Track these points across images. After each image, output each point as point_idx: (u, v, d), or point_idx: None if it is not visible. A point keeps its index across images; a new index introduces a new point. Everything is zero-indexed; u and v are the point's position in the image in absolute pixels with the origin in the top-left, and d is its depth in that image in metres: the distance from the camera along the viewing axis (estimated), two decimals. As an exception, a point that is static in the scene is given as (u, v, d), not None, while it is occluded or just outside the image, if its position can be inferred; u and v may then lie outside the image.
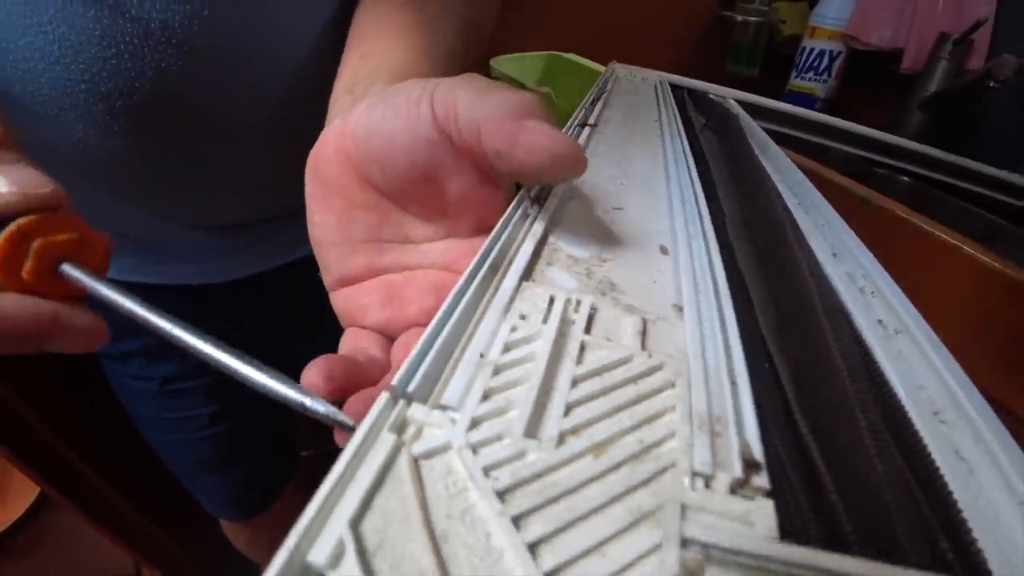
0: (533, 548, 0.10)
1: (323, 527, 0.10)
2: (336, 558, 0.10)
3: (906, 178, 0.99)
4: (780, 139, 0.76)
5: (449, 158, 0.21)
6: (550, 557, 0.10)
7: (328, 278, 0.25)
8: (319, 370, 0.18)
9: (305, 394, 0.17)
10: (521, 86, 0.83)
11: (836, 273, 0.26)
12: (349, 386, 0.18)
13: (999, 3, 0.90)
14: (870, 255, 0.29)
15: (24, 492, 0.84)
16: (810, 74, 1.13)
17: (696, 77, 0.69)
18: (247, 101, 0.39)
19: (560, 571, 0.10)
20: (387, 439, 0.12)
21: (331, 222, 0.24)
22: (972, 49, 0.94)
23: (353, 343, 0.23)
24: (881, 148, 0.77)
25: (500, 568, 0.10)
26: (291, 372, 0.18)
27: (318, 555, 0.10)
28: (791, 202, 0.34)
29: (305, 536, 0.10)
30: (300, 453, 0.75)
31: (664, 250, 0.22)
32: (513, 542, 0.10)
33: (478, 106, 0.19)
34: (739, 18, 1.10)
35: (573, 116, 0.41)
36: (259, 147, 0.42)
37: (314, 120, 0.28)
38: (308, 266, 0.55)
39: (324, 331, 0.28)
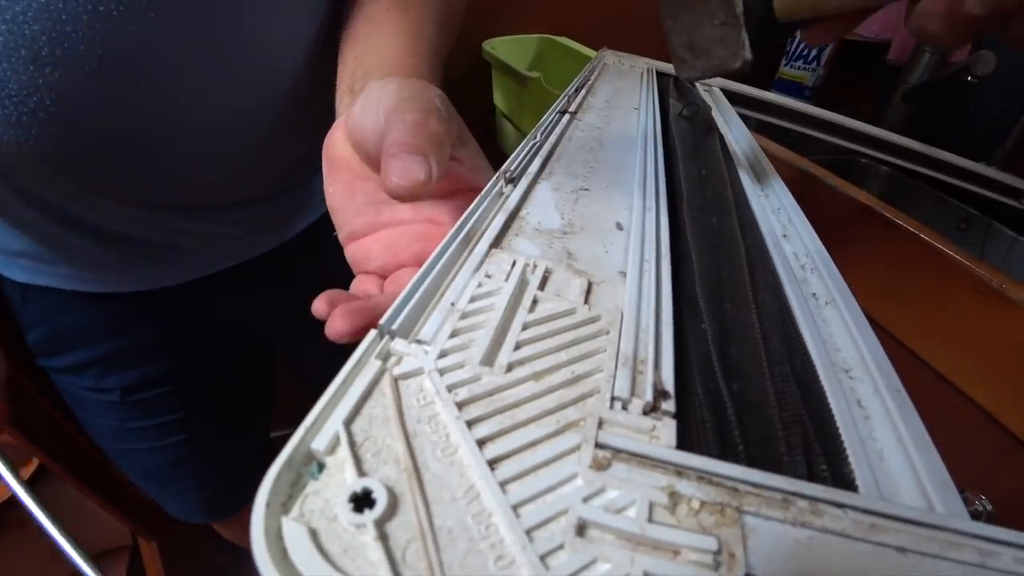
0: (481, 444, 0.14)
1: (323, 424, 0.14)
2: (332, 447, 0.13)
3: (886, 168, 1.02)
4: (764, 127, 0.79)
5: None
6: (493, 450, 0.14)
7: (341, 235, 0.30)
8: (323, 296, 0.22)
9: None
10: (513, 70, 0.86)
11: (782, 251, 0.30)
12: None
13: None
14: (816, 238, 0.32)
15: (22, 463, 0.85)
16: (799, 62, 1.15)
17: None
18: (205, 62, 0.35)
19: (499, 461, 0.13)
20: (374, 364, 0.15)
21: (340, 191, 0.29)
22: (955, 42, 0.96)
23: (358, 285, 0.28)
24: (862, 139, 0.79)
25: (455, 457, 0.14)
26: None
27: (319, 444, 0.13)
28: (753, 188, 0.37)
29: (309, 431, 0.13)
30: (271, 435, 0.74)
31: (619, 226, 0.25)
32: (466, 438, 0.14)
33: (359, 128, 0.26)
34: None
35: (556, 103, 0.44)
36: (218, 114, 0.39)
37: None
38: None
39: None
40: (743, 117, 0.70)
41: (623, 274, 0.21)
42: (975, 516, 0.51)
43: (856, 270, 0.53)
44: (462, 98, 1.18)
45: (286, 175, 0.51)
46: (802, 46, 1.14)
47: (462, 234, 0.22)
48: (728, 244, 0.27)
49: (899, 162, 0.84)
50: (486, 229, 0.22)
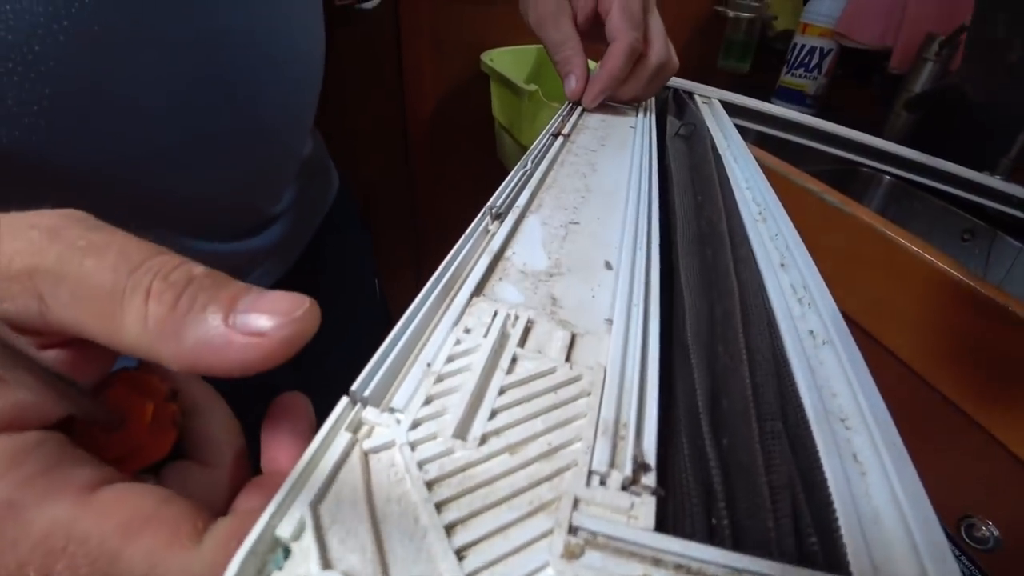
0: (449, 529, 0.13)
1: (290, 507, 0.13)
2: (298, 532, 0.13)
3: (888, 176, 1.01)
4: (764, 140, 0.78)
5: None
6: (462, 536, 0.13)
7: None
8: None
9: None
10: (510, 83, 0.85)
11: (779, 285, 0.29)
12: None
13: (984, 6, 0.92)
14: (814, 268, 0.31)
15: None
16: (801, 70, 1.14)
17: (688, 72, 0.71)
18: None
19: (468, 548, 0.13)
20: (344, 437, 0.15)
21: None
22: (958, 50, 0.95)
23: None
24: (863, 150, 0.78)
25: (424, 543, 0.13)
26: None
27: (284, 529, 0.13)
28: (752, 211, 0.37)
29: (275, 515, 0.13)
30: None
31: (608, 265, 0.24)
32: (435, 524, 0.13)
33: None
34: (731, 14, 1.11)
35: (549, 124, 0.43)
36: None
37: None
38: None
39: None
40: (743, 129, 0.69)
41: (609, 322, 0.20)
42: (982, 542, 0.50)
43: (858, 289, 0.52)
44: (461, 110, 1.18)
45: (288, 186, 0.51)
46: (804, 54, 1.13)
47: (443, 281, 0.21)
48: (722, 280, 0.26)
49: (901, 173, 0.83)
50: (468, 275, 0.22)
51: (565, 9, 0.50)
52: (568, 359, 0.18)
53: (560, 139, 0.40)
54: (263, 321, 0.14)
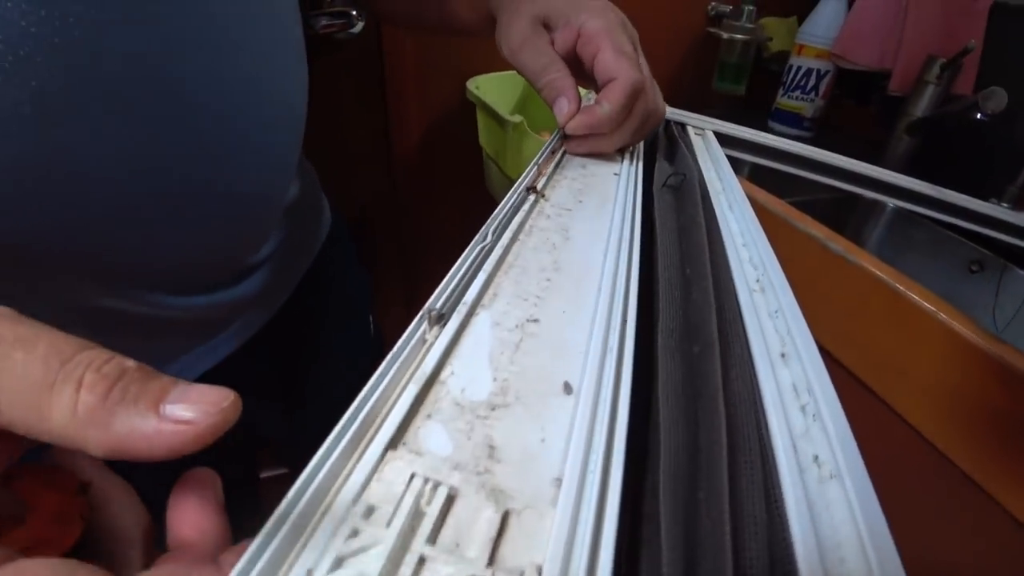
0: None
1: None
2: None
3: (891, 203, 0.97)
4: (760, 171, 0.74)
5: None
6: None
7: None
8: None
9: None
10: (495, 112, 0.81)
11: (777, 386, 0.24)
12: None
13: (987, 28, 0.88)
14: (820, 362, 0.27)
15: None
16: (797, 92, 1.11)
17: (683, 95, 0.67)
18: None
19: None
20: None
21: None
22: (960, 73, 0.92)
23: None
24: (863, 181, 0.74)
25: None
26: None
27: None
28: (749, 278, 0.32)
29: None
30: (259, 475, 0.72)
31: (568, 388, 0.20)
32: None
33: None
34: (725, 36, 1.08)
35: (523, 175, 0.39)
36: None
37: None
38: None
39: None
40: (739, 161, 0.65)
41: (559, 483, 0.16)
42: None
43: (865, 345, 0.48)
44: (448, 138, 1.14)
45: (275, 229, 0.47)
46: (800, 76, 1.10)
47: (353, 428, 0.17)
48: (709, 394, 0.22)
49: (905, 205, 0.79)
50: (387, 416, 0.17)
51: (543, 34, 0.45)
52: (492, 560, 0.14)
53: (533, 195, 0.36)
54: (190, 412, 0.14)
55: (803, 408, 0.23)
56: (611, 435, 0.18)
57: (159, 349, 0.43)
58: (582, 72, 0.44)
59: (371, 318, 0.73)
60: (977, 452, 0.43)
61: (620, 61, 0.40)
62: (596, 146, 0.43)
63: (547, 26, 0.44)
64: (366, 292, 0.72)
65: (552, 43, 0.44)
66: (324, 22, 0.86)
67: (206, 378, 0.46)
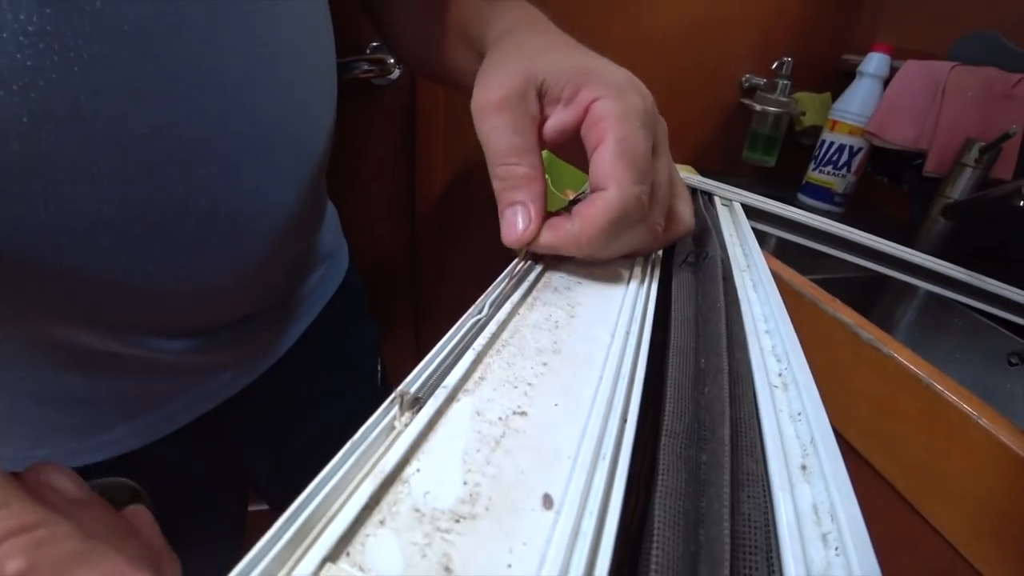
0: None
1: None
2: None
3: (925, 286, 0.93)
4: (786, 244, 0.72)
5: None
6: None
7: None
8: None
9: None
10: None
11: (796, 509, 0.21)
12: None
13: (1030, 115, 0.86)
14: (846, 478, 0.23)
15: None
16: (829, 167, 1.09)
17: (713, 163, 0.65)
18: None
19: None
20: None
21: None
22: (1000, 157, 0.89)
23: None
24: (894, 262, 0.71)
25: None
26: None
27: None
28: (771, 371, 0.29)
29: None
30: (248, 508, 0.69)
31: (548, 502, 0.17)
32: None
33: None
34: (758, 107, 1.08)
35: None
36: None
37: None
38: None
39: None
40: (761, 234, 0.63)
41: (523, 634, 0.13)
42: None
43: (897, 446, 0.44)
44: (472, 196, 1.14)
45: (286, 278, 0.46)
46: (832, 151, 1.08)
47: (291, 531, 0.14)
48: (714, 513, 0.19)
49: (938, 290, 0.75)
50: (333, 517, 0.15)
51: (529, 104, 0.33)
52: None
53: (540, 265, 0.34)
54: None
55: (824, 538, 0.20)
56: (591, 566, 0.15)
57: (157, 388, 0.41)
58: (584, 159, 0.33)
59: (380, 368, 0.71)
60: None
61: (618, 167, 0.30)
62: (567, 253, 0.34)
63: (541, 92, 0.33)
64: (374, 343, 0.71)
65: (540, 118, 0.34)
66: (364, 68, 0.88)
67: (204, 419, 0.45)
